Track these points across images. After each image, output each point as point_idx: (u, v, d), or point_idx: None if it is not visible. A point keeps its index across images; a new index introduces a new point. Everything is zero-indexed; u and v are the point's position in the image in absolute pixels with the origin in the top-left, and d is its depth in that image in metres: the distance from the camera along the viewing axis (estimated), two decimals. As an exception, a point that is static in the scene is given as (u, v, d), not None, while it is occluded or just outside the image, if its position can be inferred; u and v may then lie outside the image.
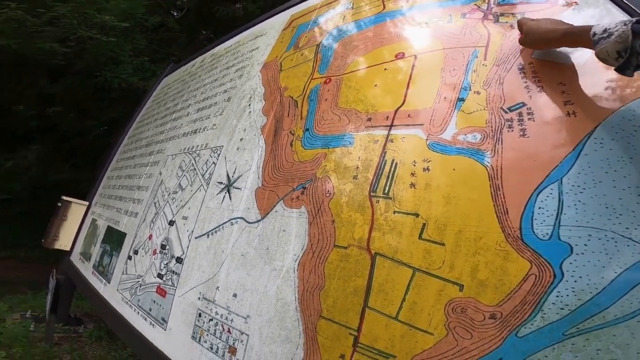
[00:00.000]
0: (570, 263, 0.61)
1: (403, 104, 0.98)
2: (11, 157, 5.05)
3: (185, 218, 1.48)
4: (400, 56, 1.10)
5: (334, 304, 0.85)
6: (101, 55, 4.47)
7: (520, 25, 0.86)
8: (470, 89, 0.88)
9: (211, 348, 1.11)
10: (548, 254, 0.63)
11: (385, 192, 0.86)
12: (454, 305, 0.68)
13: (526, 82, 0.82)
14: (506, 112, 0.80)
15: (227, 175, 1.37)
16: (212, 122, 1.70)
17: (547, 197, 0.67)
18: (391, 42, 1.17)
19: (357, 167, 0.96)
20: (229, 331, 1.08)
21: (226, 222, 1.25)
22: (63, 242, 2.51)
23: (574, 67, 0.78)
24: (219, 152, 1.50)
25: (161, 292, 1.44)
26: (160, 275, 1.49)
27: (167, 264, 1.47)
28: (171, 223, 1.56)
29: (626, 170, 0.64)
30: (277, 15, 1.89)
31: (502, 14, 0.99)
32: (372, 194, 0.89)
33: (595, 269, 0.59)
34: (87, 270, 2.15)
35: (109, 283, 1.84)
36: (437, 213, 0.76)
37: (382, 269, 0.79)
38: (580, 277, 0.60)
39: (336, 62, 1.28)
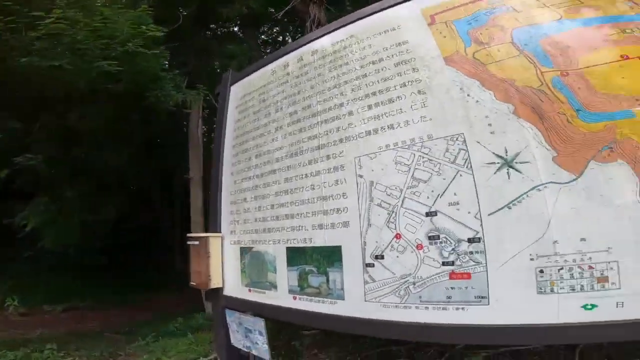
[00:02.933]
0: None
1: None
2: None
3: (455, 203, 1.62)
4: (626, 58, 1.57)
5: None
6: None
7: None
8: None
9: (572, 289, 1.38)
10: None
11: None
12: None
13: None
14: None
15: (497, 155, 1.58)
16: (417, 115, 1.79)
17: None
18: (604, 45, 1.59)
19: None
20: (589, 267, 1.37)
21: (530, 190, 1.50)
22: (215, 280, 2.06)
23: None
24: (461, 138, 1.65)
25: (459, 276, 1.57)
26: (448, 263, 1.59)
27: (453, 249, 1.59)
28: (430, 214, 1.66)
29: None
30: (394, 9, 2.07)
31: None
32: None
33: None
34: (280, 299, 1.90)
35: (343, 299, 1.76)
36: None
37: None
38: None
39: (557, 59, 1.64)
